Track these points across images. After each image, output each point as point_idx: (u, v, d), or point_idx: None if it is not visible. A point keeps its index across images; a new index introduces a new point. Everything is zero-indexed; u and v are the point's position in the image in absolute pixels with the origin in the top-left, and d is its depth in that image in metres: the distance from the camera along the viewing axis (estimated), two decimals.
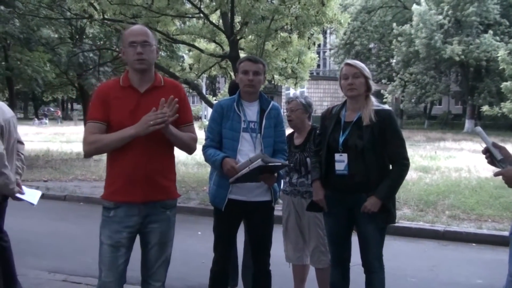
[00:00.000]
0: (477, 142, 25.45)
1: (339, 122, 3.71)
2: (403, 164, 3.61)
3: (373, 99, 3.69)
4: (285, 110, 4.57)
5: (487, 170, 10.76)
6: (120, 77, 3.15)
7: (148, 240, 3.14)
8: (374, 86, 3.73)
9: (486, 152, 2.91)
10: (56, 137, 26.26)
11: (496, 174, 2.85)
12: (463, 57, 33.03)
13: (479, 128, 2.97)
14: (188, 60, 13.95)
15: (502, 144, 2.95)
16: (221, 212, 3.64)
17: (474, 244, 6.95)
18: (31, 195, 4.28)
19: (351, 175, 3.56)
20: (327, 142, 3.70)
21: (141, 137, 2.93)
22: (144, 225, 3.10)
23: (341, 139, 3.62)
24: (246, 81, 3.63)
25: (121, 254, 3.06)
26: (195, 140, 3.22)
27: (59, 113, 52.40)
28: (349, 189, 3.59)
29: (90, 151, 3.05)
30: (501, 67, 22.79)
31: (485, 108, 26.60)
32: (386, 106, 3.80)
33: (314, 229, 4.29)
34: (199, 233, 7.08)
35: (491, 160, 2.89)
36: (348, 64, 3.69)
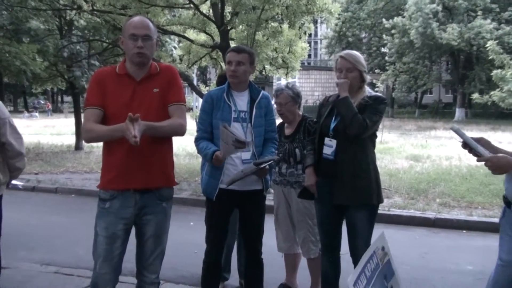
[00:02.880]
0: (468, 130, 25.61)
1: (333, 109, 3.73)
2: (363, 120, 3.48)
3: (366, 89, 3.71)
4: (274, 105, 4.55)
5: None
6: (116, 65, 3.14)
7: (144, 232, 3.14)
8: (368, 77, 3.75)
9: (466, 146, 2.89)
10: (46, 130, 26.13)
11: (479, 160, 2.83)
12: (459, 40, 33.02)
13: (455, 127, 2.94)
14: (178, 51, 13.89)
15: (491, 133, 2.97)
16: (213, 202, 3.65)
17: (464, 231, 7.01)
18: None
19: (337, 161, 3.58)
20: (320, 128, 3.74)
21: None
22: (139, 216, 3.10)
23: (332, 125, 3.66)
24: (229, 71, 3.63)
25: (117, 245, 3.06)
26: (181, 124, 3.08)
27: (49, 105, 52.02)
28: (336, 174, 3.59)
29: (87, 139, 3.07)
30: (490, 57, 22.83)
31: (475, 96, 26.65)
32: (380, 94, 3.82)
33: (303, 219, 4.31)
34: (191, 223, 7.09)
35: (475, 153, 2.87)
36: (342, 58, 3.68)
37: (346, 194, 3.56)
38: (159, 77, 3.11)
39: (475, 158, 2.86)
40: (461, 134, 2.87)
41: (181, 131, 3.10)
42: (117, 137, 2.89)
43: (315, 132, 3.88)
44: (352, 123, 3.46)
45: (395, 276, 3.11)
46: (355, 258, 3.67)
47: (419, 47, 36.15)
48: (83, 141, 3.07)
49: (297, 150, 4.25)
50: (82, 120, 3.10)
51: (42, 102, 55.84)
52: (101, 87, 3.02)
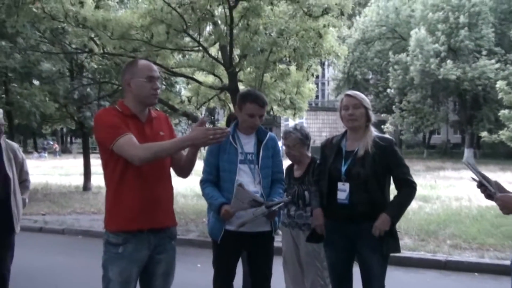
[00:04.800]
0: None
1: (340, 152, 3.73)
2: (412, 186, 3.67)
3: (372, 129, 3.72)
4: (282, 146, 4.57)
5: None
6: (114, 107, 3.13)
7: (154, 271, 3.12)
8: (373, 117, 3.77)
9: (481, 186, 2.92)
10: (55, 170, 26.24)
11: (488, 198, 2.86)
12: (459, 74, 32.93)
13: (470, 160, 3.00)
14: (186, 92, 14.03)
15: (501, 173, 2.99)
16: (218, 244, 3.63)
17: (476, 274, 6.87)
18: None
19: (352, 205, 3.55)
20: (329, 171, 3.71)
21: (153, 163, 2.95)
22: (151, 256, 3.09)
23: (343, 169, 3.63)
24: (251, 123, 3.67)
25: None
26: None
27: (56, 146, 52.26)
28: (351, 219, 3.57)
29: (149, 156, 2.89)
30: (500, 97, 22.84)
31: (483, 134, 26.49)
32: (387, 136, 3.85)
33: (312, 262, 4.25)
34: (199, 265, 7.01)
35: (487, 193, 2.90)
36: (348, 95, 3.73)
37: (369, 242, 3.53)
38: (158, 121, 3.19)
39: (484, 199, 2.87)
40: (473, 168, 2.89)
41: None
42: (185, 147, 3.00)
43: (319, 174, 3.86)
44: (411, 199, 3.76)
45: None
46: None
47: (420, 84, 36.15)
48: (137, 160, 2.92)
49: (306, 193, 4.23)
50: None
51: (51, 142, 56.22)
52: (121, 120, 2.98)
